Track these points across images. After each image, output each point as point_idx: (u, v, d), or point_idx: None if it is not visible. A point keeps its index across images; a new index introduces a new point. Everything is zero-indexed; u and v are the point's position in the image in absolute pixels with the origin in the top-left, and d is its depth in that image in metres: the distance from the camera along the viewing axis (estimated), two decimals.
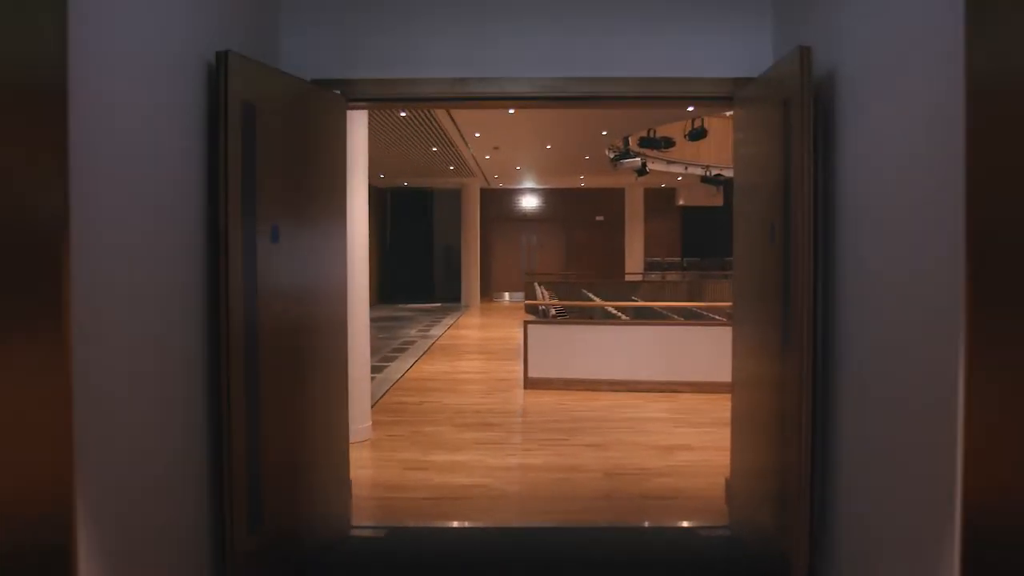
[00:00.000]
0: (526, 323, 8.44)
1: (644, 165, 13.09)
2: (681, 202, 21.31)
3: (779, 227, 3.45)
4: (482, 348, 12.28)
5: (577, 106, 4.60)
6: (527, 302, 9.20)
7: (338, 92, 3.97)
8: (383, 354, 11.26)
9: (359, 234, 6.10)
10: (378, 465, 5.50)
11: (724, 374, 7.90)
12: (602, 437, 6.23)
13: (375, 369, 9.73)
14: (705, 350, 8.09)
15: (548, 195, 22.42)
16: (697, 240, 21.97)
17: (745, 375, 4.04)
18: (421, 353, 11.37)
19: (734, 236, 4.32)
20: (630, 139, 13.15)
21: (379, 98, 4.12)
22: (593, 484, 4.98)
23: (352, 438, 6.06)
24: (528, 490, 4.87)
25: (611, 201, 21.71)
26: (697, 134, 10.74)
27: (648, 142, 11.72)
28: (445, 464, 5.43)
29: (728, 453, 4.29)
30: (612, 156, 13.40)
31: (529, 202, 22.55)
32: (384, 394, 8.07)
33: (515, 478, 5.11)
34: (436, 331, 14.43)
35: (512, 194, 22.52)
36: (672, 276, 20.02)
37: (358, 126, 6.07)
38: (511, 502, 4.65)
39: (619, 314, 9.71)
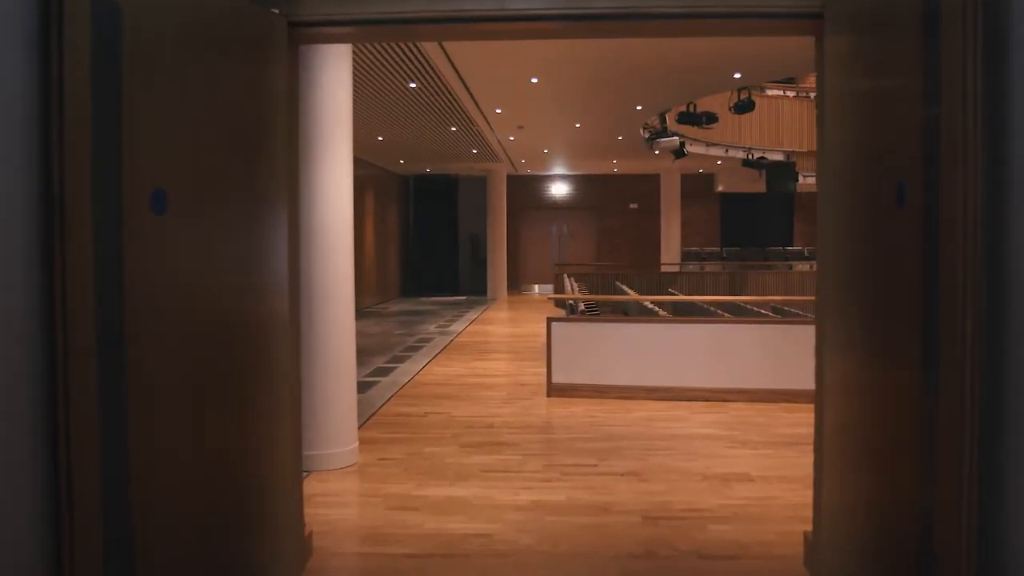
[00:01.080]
0: (550, 320, 7.30)
1: (682, 146, 11.85)
2: (720, 188, 19.98)
3: (915, 186, 2.29)
4: (505, 346, 11.18)
5: (605, 32, 3.46)
6: (554, 296, 8.03)
7: (275, 11, 2.88)
8: (394, 353, 10.21)
9: (340, 216, 5.04)
10: (358, 503, 4.43)
11: (781, 380, 6.85)
12: (640, 462, 5.09)
13: (381, 372, 8.69)
14: (757, 352, 6.90)
15: (579, 181, 21.22)
16: (737, 229, 20.63)
17: (846, 382, 2.91)
18: (437, 352, 10.30)
19: (820, 208, 3.24)
20: (667, 117, 11.93)
21: (335, 21, 3.02)
22: (630, 533, 3.85)
23: (331, 465, 5.04)
24: (544, 543, 3.76)
25: (646, 188, 20.45)
26: (744, 106, 9.52)
27: (688, 118, 10.50)
28: (442, 502, 4.33)
29: (799, 487, 3.14)
30: (647, 136, 12.18)
31: (559, 189, 21.37)
32: (385, 402, 7.01)
33: (528, 524, 4.00)
34: (457, 326, 13.36)
35: (541, 181, 21.36)
36: (711, 267, 18.73)
37: (337, 79, 5.00)
38: (520, 562, 3.54)
39: (656, 310, 8.53)
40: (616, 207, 21.01)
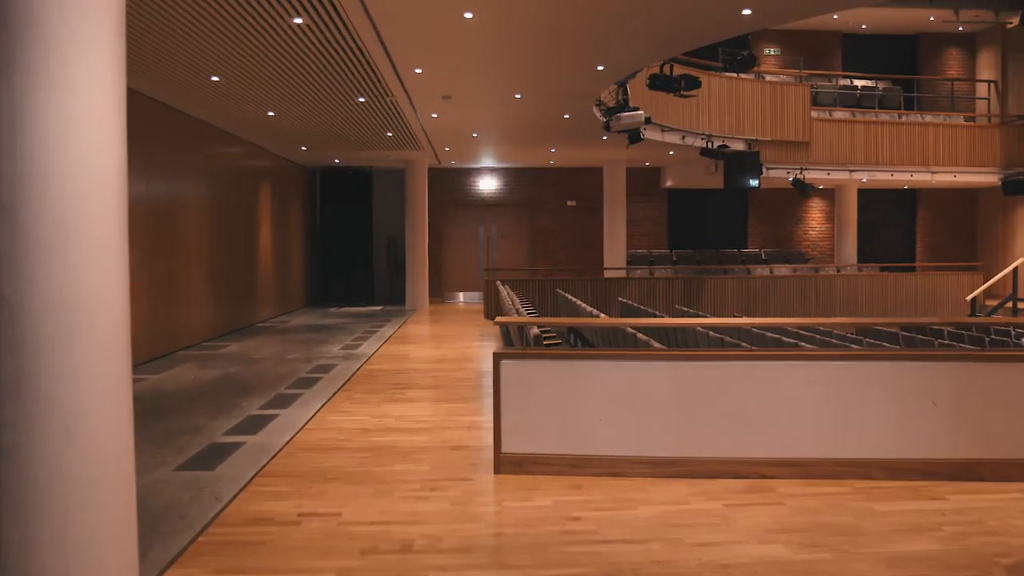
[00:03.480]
0: (498, 358, 4.76)
1: (648, 120, 9.51)
2: (669, 184, 17.88)
3: None
4: (429, 377, 8.61)
5: None
6: (499, 320, 5.50)
7: None
8: (278, 390, 7.52)
9: (97, 177, 2.46)
10: None
11: (855, 446, 4.54)
12: None
13: (251, 425, 6.01)
14: (820, 400, 4.57)
15: (510, 175, 18.77)
16: (687, 229, 18.59)
17: None
18: (337, 387, 7.66)
19: None
20: (628, 87, 9.60)
21: None
22: None
23: None
24: None
25: (587, 183, 18.18)
26: (747, 62, 7.24)
27: (662, 82, 8.20)
28: None
29: None
30: (603, 111, 9.82)
31: (487, 184, 18.87)
32: (240, 492, 4.36)
33: None
34: (368, 347, 10.70)
35: (467, 175, 18.82)
36: (662, 272, 16.59)
37: None
38: None
39: (645, 338, 6.12)
40: (552, 204, 18.65)
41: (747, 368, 4.62)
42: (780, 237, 18.42)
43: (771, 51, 17.58)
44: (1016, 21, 16.19)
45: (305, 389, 7.62)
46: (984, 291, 15.13)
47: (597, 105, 11.25)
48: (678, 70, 12.33)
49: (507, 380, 4.71)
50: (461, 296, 19.15)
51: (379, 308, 17.05)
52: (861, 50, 17.38)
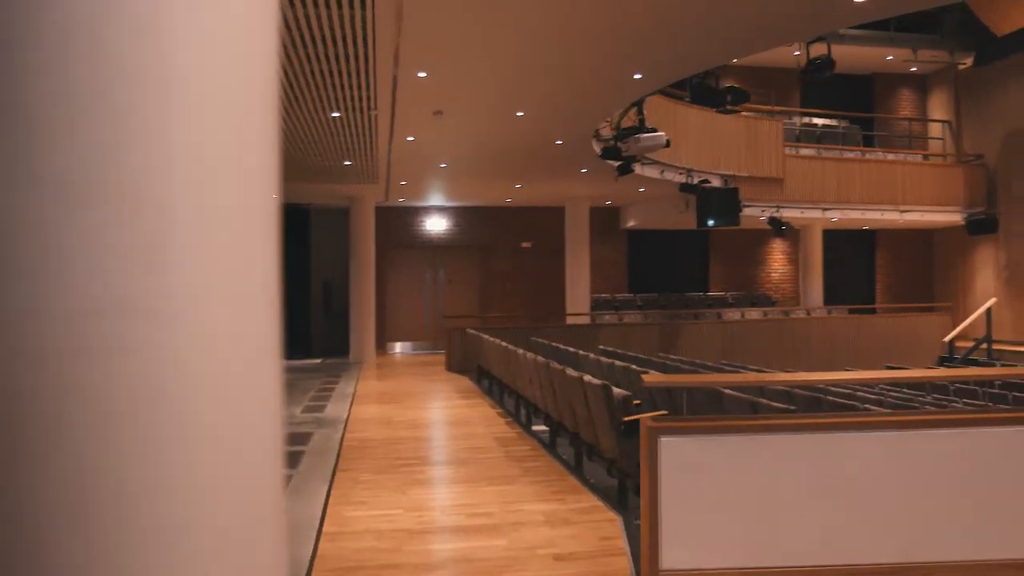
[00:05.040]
0: (655, 433, 3.29)
1: (667, 143, 8.36)
2: (631, 224, 16.93)
3: None
4: (436, 447, 7.09)
5: None
6: (651, 380, 4.02)
7: None
8: None
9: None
10: None
11: None
12: None
13: None
14: None
15: (461, 215, 17.39)
16: (648, 272, 17.63)
17: None
18: (331, 469, 6.00)
19: None
20: (643, 107, 8.48)
21: None
22: None
23: None
24: None
25: (543, 223, 17.00)
26: (823, 64, 6.22)
27: (705, 94, 7.09)
28: None
29: None
30: (619, 131, 8.63)
31: (436, 224, 17.40)
32: None
33: None
34: (335, 409, 8.96)
35: (414, 214, 17.32)
36: (631, 317, 15.49)
37: None
38: None
39: (765, 401, 4.89)
40: (508, 246, 17.34)
41: (1000, 436, 3.37)
42: (743, 280, 17.72)
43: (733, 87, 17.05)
44: (970, 62, 16.27)
45: (290, 468, 5.93)
46: (957, 333, 14.75)
47: (595, 137, 10.16)
48: (658, 101, 11.44)
49: (669, 465, 3.30)
50: (398, 347, 17.45)
51: (319, 361, 15.17)
52: (818, 88, 17.07)
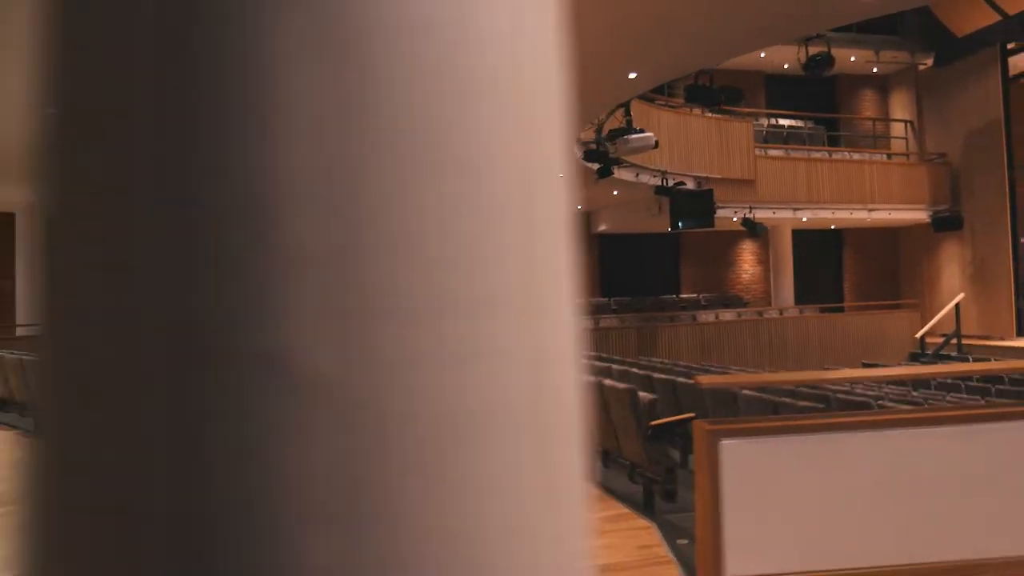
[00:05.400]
0: (715, 437, 3.11)
1: (656, 144, 8.28)
2: (602, 228, 16.89)
3: None
4: None
5: None
6: (706, 381, 3.86)
7: None
8: None
9: None
10: None
11: None
12: None
13: None
14: None
15: None
16: (621, 276, 17.60)
17: None
18: None
19: None
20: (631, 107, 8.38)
21: None
22: None
23: None
24: None
25: None
26: (822, 61, 6.16)
27: (702, 94, 7.00)
28: None
29: None
30: (609, 133, 8.51)
31: None
32: None
33: None
34: None
35: None
36: (608, 321, 15.40)
37: None
38: None
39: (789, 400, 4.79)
40: None
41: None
42: (714, 281, 17.80)
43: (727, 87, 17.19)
44: (930, 63, 16.60)
45: None
46: (928, 329, 15.00)
47: (579, 145, 10.05)
48: (633, 104, 11.40)
49: (730, 468, 3.12)
50: None
51: None
52: (783, 90, 17.29)
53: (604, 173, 10.47)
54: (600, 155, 8.86)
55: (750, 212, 14.46)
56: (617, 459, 5.35)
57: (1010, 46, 15.04)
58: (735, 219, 14.59)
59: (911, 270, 17.86)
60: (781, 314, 15.98)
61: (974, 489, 3.23)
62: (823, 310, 16.50)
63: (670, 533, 4.19)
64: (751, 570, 3.10)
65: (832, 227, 17.44)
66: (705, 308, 16.57)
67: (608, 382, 5.11)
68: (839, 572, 3.12)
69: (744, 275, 17.98)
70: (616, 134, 8.17)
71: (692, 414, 4.88)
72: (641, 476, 4.90)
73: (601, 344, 13.91)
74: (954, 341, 14.39)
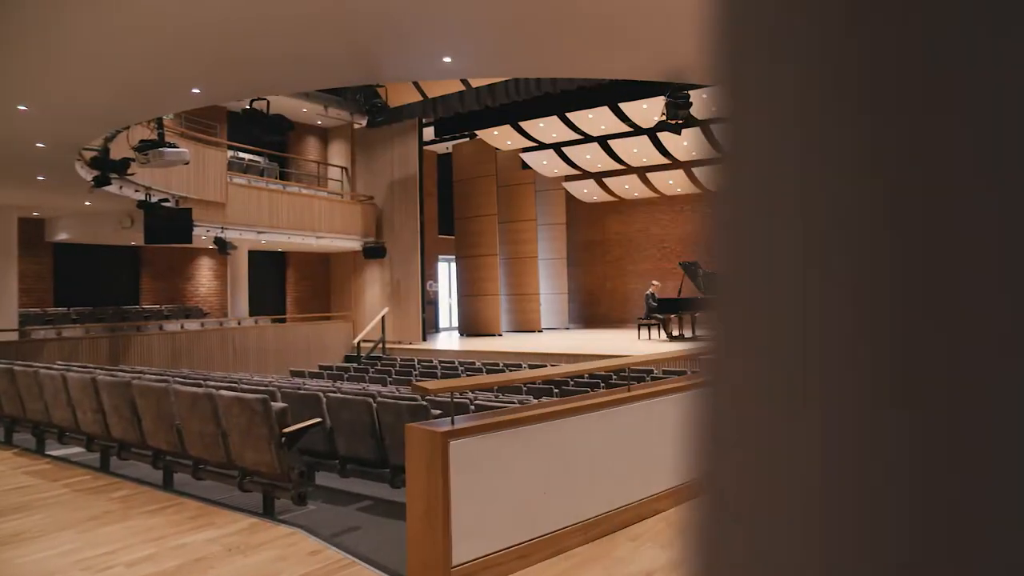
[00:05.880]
0: (446, 438, 3.94)
1: (188, 161, 9.45)
2: (62, 237, 16.31)
3: None
4: None
5: None
6: (435, 387, 4.81)
7: None
8: None
9: None
10: None
11: None
12: None
13: None
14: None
15: None
16: (76, 286, 17.13)
17: None
18: None
19: None
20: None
21: None
22: None
23: None
24: None
25: None
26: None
27: (257, 119, 8.56)
28: None
29: None
30: (139, 144, 9.28)
31: None
32: None
33: None
34: None
35: None
36: (72, 331, 15.07)
37: None
38: None
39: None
40: None
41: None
42: (174, 293, 18.66)
43: (168, 116, 17.89)
44: (364, 123, 20.62)
45: None
46: (363, 336, 18.70)
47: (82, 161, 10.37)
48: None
49: (458, 466, 3.94)
50: None
51: None
52: (242, 126, 19.20)
53: (101, 182, 10.96)
54: (104, 163, 9.44)
55: (222, 232, 16.02)
56: (220, 470, 5.56)
57: (426, 120, 19.86)
58: (204, 238, 15.96)
59: (340, 287, 21.57)
60: (240, 324, 17.83)
61: (613, 455, 4.73)
62: (275, 320, 18.93)
63: (323, 535, 4.67)
64: (472, 555, 3.92)
65: (280, 250, 20.01)
66: (168, 318, 17.40)
67: (225, 393, 5.57)
68: (537, 541, 4.23)
69: (202, 288, 19.27)
70: (148, 145, 9.07)
71: (319, 419, 5.52)
72: (259, 484, 5.19)
73: (73, 354, 13.81)
74: (380, 345, 18.33)
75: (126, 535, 4.81)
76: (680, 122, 7.75)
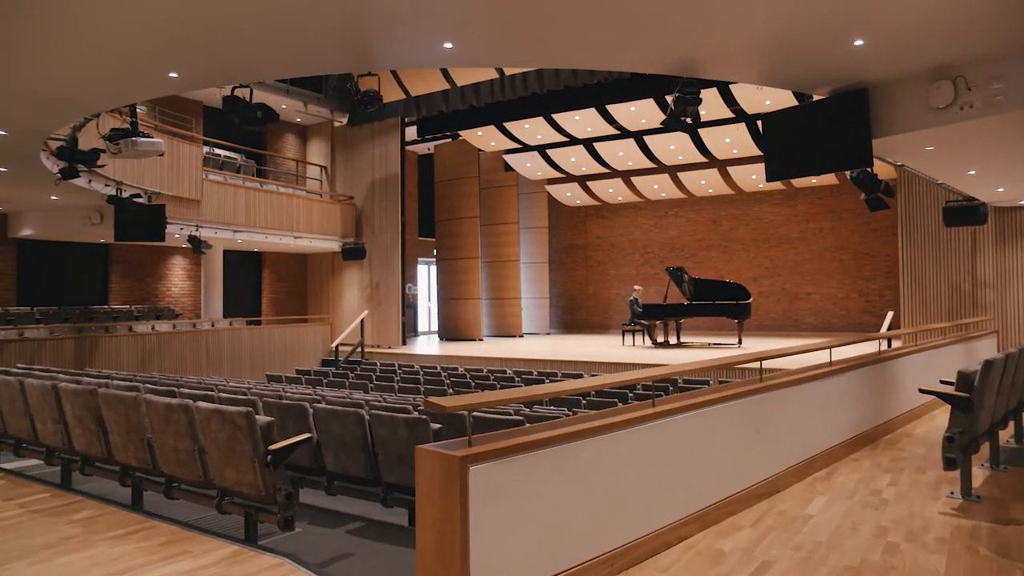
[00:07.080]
0: (464, 463, 3.41)
1: (163, 153, 8.86)
2: (26, 233, 15.55)
3: None
4: None
5: None
6: (450, 405, 3.61)
7: None
8: None
9: None
10: None
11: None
12: None
13: None
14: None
15: None
16: (39, 284, 16.36)
17: None
18: None
19: None
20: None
21: None
22: None
23: None
24: None
25: None
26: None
27: (240, 110, 7.98)
28: None
29: None
30: (110, 132, 8.67)
31: None
32: None
33: None
34: None
35: None
36: (35, 332, 14.34)
37: None
38: None
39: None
40: None
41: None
42: (145, 293, 17.93)
43: (140, 108, 17.20)
44: (345, 121, 20.05)
45: None
46: (341, 339, 18.12)
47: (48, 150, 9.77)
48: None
49: (478, 495, 3.43)
50: None
51: None
52: (219, 122, 18.56)
53: (69, 175, 10.32)
54: (72, 153, 8.83)
55: (197, 230, 15.39)
56: (196, 489, 5.09)
57: (409, 119, 19.34)
58: (177, 236, 15.31)
59: (318, 289, 20.95)
60: (213, 326, 17.17)
61: (639, 477, 4.33)
62: (249, 323, 18.28)
63: (312, 564, 4.21)
64: None
65: (256, 249, 19.37)
66: (138, 319, 16.69)
67: (203, 405, 4.96)
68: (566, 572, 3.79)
69: (175, 288, 18.56)
70: (120, 134, 8.47)
71: (309, 435, 4.95)
72: (241, 506, 4.70)
73: (36, 356, 13.14)
74: (360, 349, 17.76)
75: (87, 567, 4.25)
76: (689, 120, 7.35)
